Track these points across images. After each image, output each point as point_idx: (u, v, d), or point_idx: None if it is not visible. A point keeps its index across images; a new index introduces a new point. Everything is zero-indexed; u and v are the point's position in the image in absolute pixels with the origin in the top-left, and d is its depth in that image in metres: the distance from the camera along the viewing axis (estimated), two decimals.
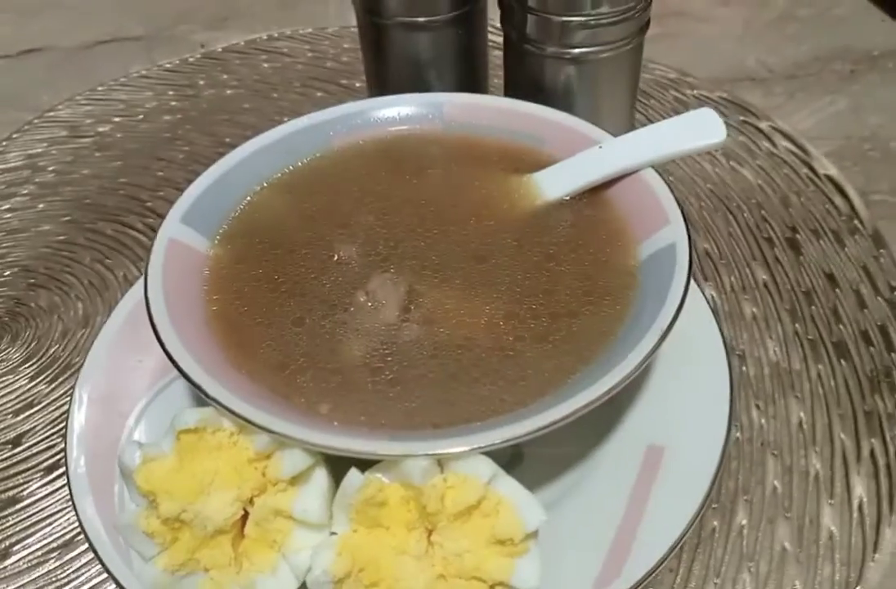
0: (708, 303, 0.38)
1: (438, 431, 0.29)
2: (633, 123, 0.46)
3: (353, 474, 0.29)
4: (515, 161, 0.39)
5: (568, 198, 0.37)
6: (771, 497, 0.35)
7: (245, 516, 0.30)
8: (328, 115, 0.41)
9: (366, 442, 0.28)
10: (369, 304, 0.34)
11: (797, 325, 0.41)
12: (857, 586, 0.32)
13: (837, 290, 0.43)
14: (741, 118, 0.53)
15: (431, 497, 0.28)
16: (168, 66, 0.61)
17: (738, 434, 0.37)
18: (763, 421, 0.37)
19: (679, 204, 0.34)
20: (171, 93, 0.58)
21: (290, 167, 0.40)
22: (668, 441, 0.33)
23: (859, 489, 0.35)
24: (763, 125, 0.52)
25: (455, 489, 0.28)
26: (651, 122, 0.53)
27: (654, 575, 0.29)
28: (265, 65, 0.60)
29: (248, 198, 0.39)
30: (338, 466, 0.30)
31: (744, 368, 0.39)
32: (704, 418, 0.34)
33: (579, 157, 0.37)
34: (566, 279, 0.34)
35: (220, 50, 0.62)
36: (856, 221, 0.46)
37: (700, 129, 0.36)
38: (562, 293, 0.33)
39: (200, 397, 0.30)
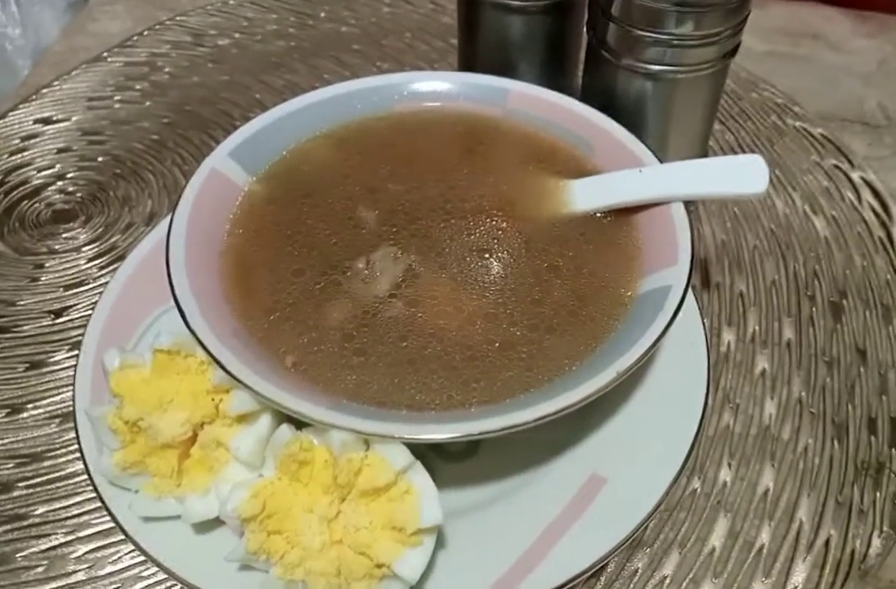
0: (708, 349, 0.33)
1: (379, 411, 0.27)
2: (707, 147, 0.39)
3: (283, 430, 0.27)
4: (560, 163, 0.34)
5: (594, 213, 0.32)
6: (706, 558, 0.30)
7: (195, 437, 0.29)
8: (399, 78, 0.36)
9: (305, 405, 0.26)
10: (366, 272, 0.31)
11: (804, 393, 0.35)
12: None
13: (863, 368, 0.36)
14: (833, 162, 0.44)
15: (344, 470, 0.26)
16: None
17: (698, 487, 0.32)
18: (729, 480, 0.32)
19: (693, 247, 0.29)
20: (292, 19, 0.54)
21: (348, 122, 0.36)
22: (613, 474, 0.29)
23: (798, 577, 0.30)
24: (854, 175, 0.44)
25: (371, 468, 0.26)
26: (740, 144, 0.46)
27: None
28: (386, 9, 0.54)
29: (300, 143, 0.35)
30: (287, 414, 0.28)
31: (731, 423, 0.34)
32: (657, 462, 0.30)
33: (618, 175, 0.32)
34: (558, 294, 0.30)
35: None
36: None
37: (743, 176, 0.30)
38: (549, 307, 0.29)
39: (159, 333, 0.29)
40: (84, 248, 0.42)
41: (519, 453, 0.31)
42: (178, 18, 0.54)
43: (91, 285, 0.40)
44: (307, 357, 0.28)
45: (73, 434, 0.33)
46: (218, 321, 0.28)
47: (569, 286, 0.30)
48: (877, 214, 0.42)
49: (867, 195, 0.43)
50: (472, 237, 0.32)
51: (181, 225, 0.31)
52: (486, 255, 0.31)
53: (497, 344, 0.28)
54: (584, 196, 0.32)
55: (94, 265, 0.41)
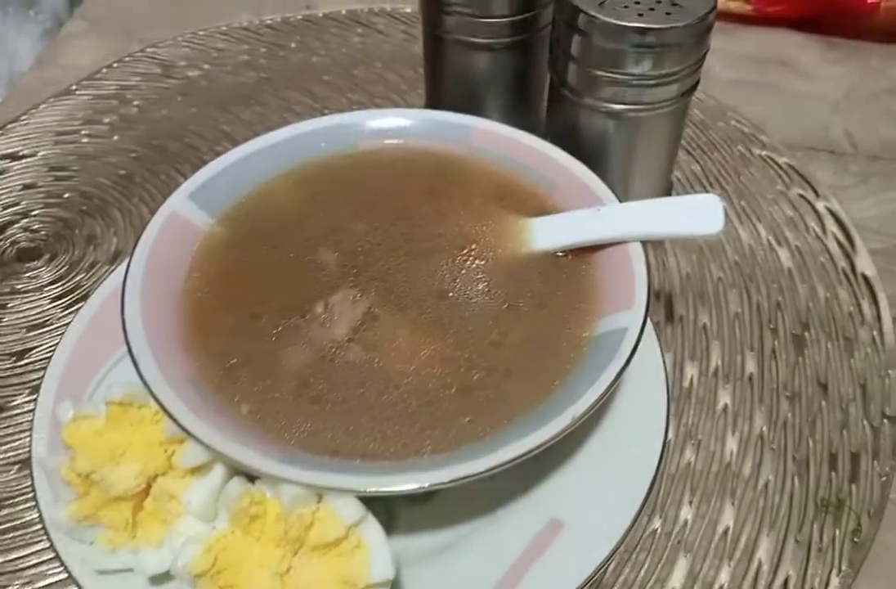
0: (669, 387, 0.33)
1: (333, 461, 0.27)
2: (671, 181, 0.40)
3: (234, 483, 0.27)
4: (521, 201, 0.34)
5: (554, 253, 0.32)
6: None
7: (149, 489, 0.28)
8: (358, 116, 0.36)
9: (256, 458, 0.25)
10: (324, 315, 0.31)
11: (765, 428, 0.35)
12: None
13: (824, 402, 0.36)
14: (799, 192, 0.45)
15: (294, 525, 0.26)
16: (269, 21, 0.56)
17: (659, 526, 0.32)
18: (689, 519, 0.32)
19: (650, 289, 0.29)
20: (263, 50, 0.54)
21: (311, 160, 0.36)
22: (570, 518, 0.29)
23: None
24: (819, 205, 0.44)
25: (321, 522, 0.26)
26: (706, 174, 0.46)
27: None
28: (357, 39, 0.55)
29: (261, 184, 0.35)
30: None
31: (692, 460, 0.34)
32: (614, 506, 0.29)
33: (577, 214, 0.32)
34: (517, 335, 0.30)
35: (321, 15, 0.56)
36: (875, 332, 0.38)
37: (699, 216, 0.30)
38: (507, 350, 0.29)
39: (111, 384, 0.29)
40: (47, 288, 0.41)
41: (478, 497, 0.30)
42: (148, 50, 0.54)
43: (54, 326, 0.40)
44: (262, 405, 0.28)
45: (29, 482, 0.32)
46: (172, 369, 0.28)
47: (528, 327, 0.30)
48: (840, 245, 0.42)
49: (831, 225, 0.43)
50: (432, 278, 0.32)
51: (138, 269, 0.30)
52: (446, 297, 0.31)
53: (454, 389, 0.28)
54: (544, 235, 0.32)
55: (58, 305, 0.40)
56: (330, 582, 0.25)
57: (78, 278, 0.42)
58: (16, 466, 0.34)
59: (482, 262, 0.32)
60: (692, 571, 0.31)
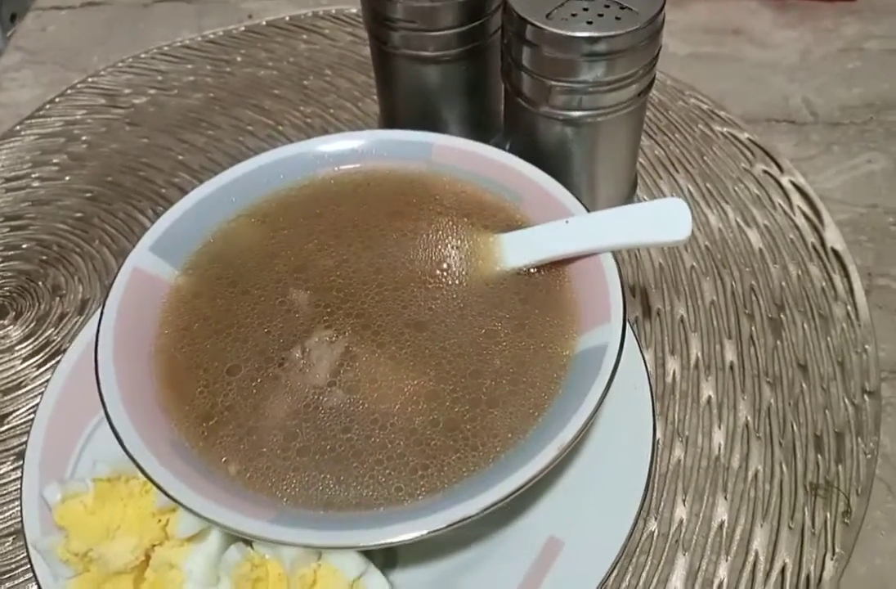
0: (653, 392, 0.33)
1: (327, 514, 0.26)
2: (636, 178, 0.39)
3: (232, 551, 0.27)
4: (488, 217, 0.33)
5: (527, 269, 0.31)
6: None
7: (148, 560, 0.28)
8: (315, 144, 0.35)
9: (245, 521, 0.25)
10: (303, 361, 0.30)
11: (750, 417, 0.35)
12: None
13: (805, 384, 0.36)
14: (763, 168, 0.44)
15: (298, 587, 0.25)
16: (211, 36, 0.53)
17: (655, 528, 0.32)
18: (684, 517, 0.32)
19: (625, 302, 0.28)
20: (208, 67, 0.52)
21: (271, 196, 0.34)
22: (569, 536, 0.29)
23: None
24: (784, 180, 0.43)
25: (324, 580, 0.26)
26: (669, 158, 0.45)
27: None
28: (303, 45, 0.52)
29: (224, 226, 0.34)
30: None
31: (682, 457, 0.34)
32: (610, 519, 0.30)
33: (546, 228, 0.31)
34: (498, 362, 0.29)
35: (264, 24, 0.54)
36: (849, 307, 0.38)
37: (667, 223, 0.29)
38: (489, 378, 0.29)
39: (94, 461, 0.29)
40: (17, 348, 0.40)
41: (476, 525, 0.30)
42: (89, 80, 0.52)
43: (30, 387, 0.38)
44: (250, 463, 0.27)
45: (22, 554, 0.32)
46: (154, 436, 0.27)
47: (508, 352, 0.29)
48: (808, 219, 0.41)
49: (798, 200, 0.42)
50: (408, 309, 0.31)
51: (108, 334, 0.29)
52: (424, 328, 0.30)
53: (441, 425, 0.28)
54: (516, 251, 0.31)
55: (31, 364, 0.39)
56: None
57: (48, 333, 0.40)
58: (10, 538, 0.33)
59: (456, 288, 0.31)
60: (692, 568, 0.31)
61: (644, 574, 0.31)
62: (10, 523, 0.34)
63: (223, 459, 0.27)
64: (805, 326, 0.38)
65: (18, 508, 0.33)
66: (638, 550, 0.32)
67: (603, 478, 0.30)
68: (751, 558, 0.31)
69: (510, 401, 0.28)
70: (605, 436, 0.31)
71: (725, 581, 0.31)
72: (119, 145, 0.48)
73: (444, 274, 0.32)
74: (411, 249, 0.32)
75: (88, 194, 0.46)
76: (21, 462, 0.35)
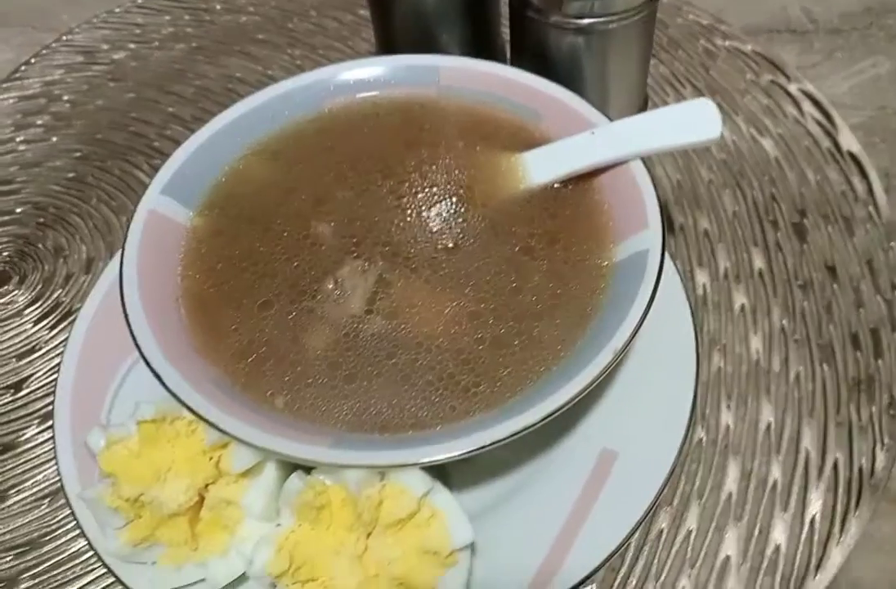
0: (696, 297, 0.32)
1: (384, 436, 0.25)
2: (646, 91, 0.37)
3: (294, 479, 0.25)
4: (507, 137, 0.31)
5: (554, 184, 0.29)
6: (725, 504, 0.30)
7: (202, 499, 0.27)
8: (319, 75, 0.32)
9: (305, 448, 0.24)
10: (337, 292, 0.28)
11: (785, 321, 0.34)
12: None
13: (836, 285, 0.35)
14: (770, 78, 0.42)
15: (366, 506, 0.24)
16: None
17: (703, 435, 0.31)
18: (731, 422, 0.31)
19: (661, 205, 0.27)
20: (187, 17, 0.48)
21: (279, 131, 0.32)
22: (623, 446, 0.28)
23: (815, 504, 0.29)
24: (792, 88, 0.41)
25: (391, 499, 0.24)
26: (675, 75, 0.43)
27: (586, 582, 0.26)
28: None
29: (234, 165, 0.31)
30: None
31: (721, 364, 0.33)
32: (662, 426, 0.29)
33: (571, 141, 0.29)
34: (537, 277, 0.28)
35: None
36: (871, 208, 0.37)
37: (696, 123, 0.27)
38: (529, 293, 0.27)
39: (138, 404, 0.27)
40: (27, 311, 0.38)
41: (528, 442, 0.28)
42: (64, 38, 0.48)
43: (45, 349, 0.36)
44: (297, 395, 0.26)
45: (66, 512, 0.31)
46: (195, 376, 0.25)
47: (545, 267, 0.28)
48: (821, 125, 0.40)
49: (808, 107, 0.41)
50: (436, 234, 0.29)
51: (131, 278, 0.27)
52: (455, 250, 0.28)
53: (487, 343, 0.26)
54: (540, 168, 0.29)
55: (43, 327, 0.37)
56: (411, 555, 0.24)
57: (56, 295, 0.38)
58: (46, 500, 0.32)
59: (483, 208, 0.29)
60: (744, 471, 0.30)
61: (697, 481, 0.30)
62: (43, 486, 0.32)
63: (268, 393, 0.26)
64: (829, 229, 0.36)
65: (48, 472, 0.32)
66: (688, 458, 0.31)
67: (650, 388, 0.29)
68: (802, 457, 0.31)
69: (554, 314, 0.27)
70: (648, 346, 0.30)
71: (779, 480, 0.30)
72: (104, 102, 0.45)
73: (469, 196, 0.30)
74: (432, 175, 0.30)
75: (78, 154, 0.43)
76: (46, 424, 0.34)
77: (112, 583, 0.30)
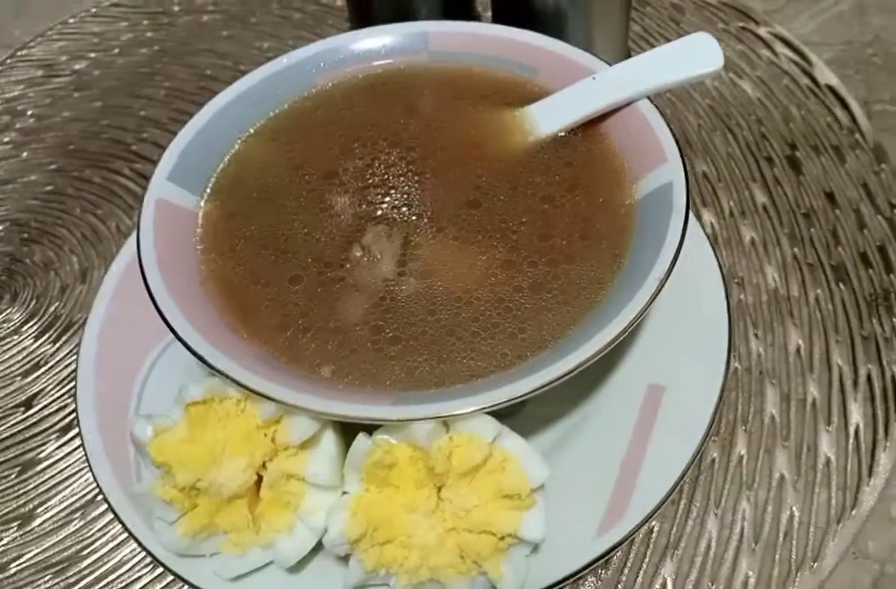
0: (706, 234, 0.34)
1: (442, 390, 0.27)
2: (628, 48, 0.40)
3: (361, 440, 0.26)
4: (507, 94, 0.34)
5: (562, 133, 0.32)
6: (769, 426, 0.32)
7: (259, 480, 0.28)
8: (308, 52, 0.35)
9: (368, 408, 0.26)
10: (365, 259, 0.30)
11: (796, 249, 0.37)
12: (852, 511, 0.30)
13: (837, 210, 0.38)
14: (740, 24, 0.46)
15: (438, 458, 0.26)
16: None
17: (737, 364, 0.34)
18: (761, 349, 0.34)
19: (676, 139, 0.29)
20: (145, 22, 0.51)
21: (275, 111, 0.34)
22: (668, 380, 0.31)
23: (856, 415, 0.32)
24: (762, 31, 0.45)
25: (461, 448, 0.26)
26: (648, 32, 0.46)
27: (655, 515, 0.28)
28: None
29: (235, 149, 0.33)
30: (347, 425, 0.28)
31: (742, 297, 0.36)
32: (703, 355, 0.31)
33: (574, 88, 0.32)
34: (562, 222, 0.30)
35: None
36: (857, 135, 0.40)
37: (696, 57, 0.30)
38: (558, 238, 0.29)
39: (184, 385, 0.28)
40: (24, 328, 0.39)
41: (577, 385, 0.30)
42: (19, 54, 0.50)
43: (51, 364, 0.37)
44: (344, 362, 0.27)
45: (102, 523, 0.32)
46: (237, 354, 0.27)
47: (569, 211, 0.30)
48: (796, 64, 0.44)
49: (780, 48, 0.44)
50: (454, 192, 0.31)
51: (153, 270, 0.28)
52: (477, 205, 0.30)
53: (526, 289, 0.28)
54: (546, 119, 0.32)
55: (45, 341, 0.38)
56: (489, 502, 0.25)
57: (53, 308, 0.39)
58: (78, 514, 0.33)
59: (496, 164, 0.31)
60: (782, 393, 0.33)
61: (739, 407, 0.33)
62: (72, 500, 0.33)
63: (315, 364, 0.27)
64: (821, 159, 0.40)
65: (75, 485, 0.33)
66: (726, 388, 0.33)
67: (686, 322, 0.31)
68: (835, 373, 0.33)
69: (587, 255, 0.29)
70: (676, 283, 0.32)
71: (818, 397, 0.33)
72: (72, 113, 0.47)
73: (481, 154, 0.32)
74: (439, 137, 0.33)
75: (53, 166, 0.44)
76: (67, 437, 0.35)
77: (166, 586, 0.31)
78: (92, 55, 0.49)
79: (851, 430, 0.32)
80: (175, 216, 0.31)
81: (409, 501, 0.26)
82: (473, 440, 0.25)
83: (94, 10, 0.52)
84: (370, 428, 0.26)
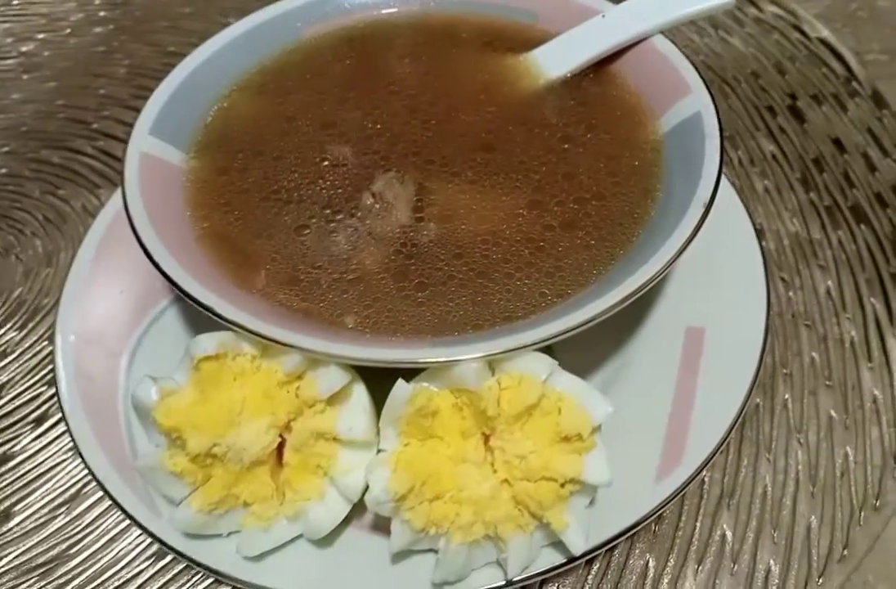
0: (728, 178, 0.35)
1: (480, 333, 0.26)
2: None
3: (401, 386, 0.25)
4: (508, 40, 0.34)
5: (572, 75, 0.32)
6: (809, 368, 0.33)
7: (281, 445, 0.27)
8: (294, 2, 0.35)
9: (408, 351, 0.25)
10: (377, 205, 0.30)
11: (811, 194, 0.38)
12: None
13: (846, 155, 0.40)
14: None
15: (489, 399, 0.25)
16: None
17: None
18: (791, 293, 0.35)
19: (698, 70, 0.30)
20: (96, 2, 0.50)
21: (260, 65, 0.34)
22: (708, 321, 0.31)
23: (892, 350, 0.33)
24: None
25: (510, 390, 0.25)
26: None
27: (714, 458, 0.27)
28: None
29: (219, 103, 0.33)
30: (372, 382, 0.27)
31: (763, 243, 0.36)
32: (742, 295, 0.31)
33: (581, 28, 0.32)
34: (586, 161, 0.30)
35: None
36: (854, 83, 0.42)
37: None
38: (584, 176, 0.30)
39: (202, 324, 0.27)
40: None
41: (608, 330, 0.29)
42: None
43: (19, 352, 0.36)
44: (370, 311, 0.27)
45: (91, 517, 0.31)
46: (252, 308, 0.26)
47: (591, 150, 0.30)
48: (782, 19, 0.46)
49: (766, 5, 0.46)
50: (465, 137, 0.31)
51: (143, 223, 0.27)
52: (492, 149, 0.30)
53: (557, 228, 0.28)
54: (555, 61, 0.32)
55: (10, 328, 0.36)
56: (546, 447, 0.25)
57: (17, 293, 0.37)
58: (63, 509, 0.31)
59: (507, 108, 0.32)
60: (818, 336, 0.34)
61: (776, 352, 0.33)
62: (53, 496, 0.31)
63: (335, 315, 0.27)
64: (822, 107, 0.42)
65: (58, 479, 0.32)
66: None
67: (718, 265, 0.32)
68: (869, 311, 0.34)
69: (617, 191, 0.29)
70: (703, 227, 0.33)
71: (855, 337, 0.33)
72: (22, 95, 0.45)
73: (487, 98, 0.32)
74: (441, 84, 0.33)
75: (6, 149, 0.43)
76: (43, 427, 0.33)
77: (170, 579, 0.29)
78: (40, 36, 0.49)
79: (894, 365, 0.32)
80: (160, 170, 0.30)
81: (455, 453, 0.25)
82: (524, 380, 0.25)
83: None
84: (406, 377, 0.25)
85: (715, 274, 0.32)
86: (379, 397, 0.26)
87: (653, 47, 0.31)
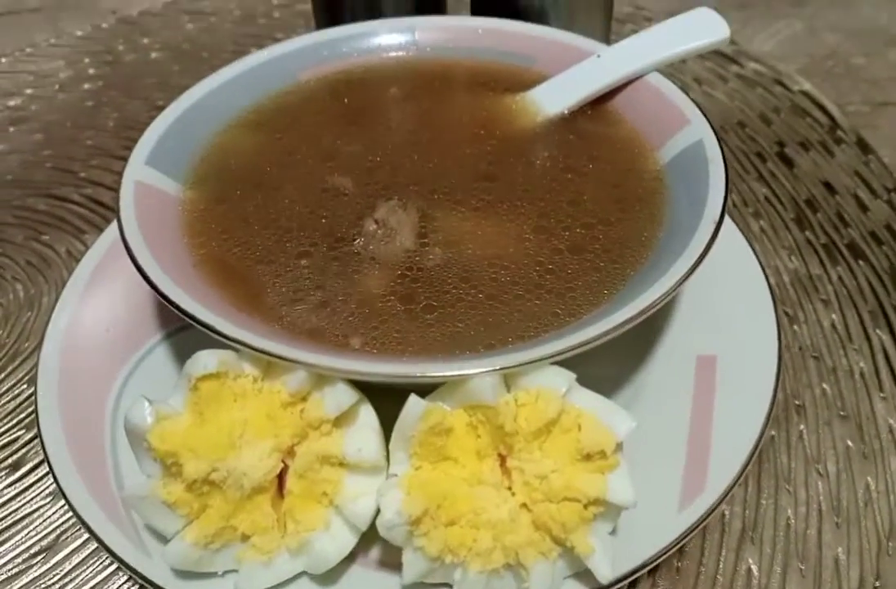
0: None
1: (494, 351, 0.27)
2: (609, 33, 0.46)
3: (414, 402, 0.26)
4: (505, 82, 0.38)
5: (569, 112, 0.36)
6: (822, 400, 0.34)
7: (283, 473, 0.27)
8: (291, 46, 0.38)
9: (420, 365, 0.25)
10: (380, 232, 0.31)
11: (807, 232, 0.41)
12: None
13: (837, 196, 0.43)
14: None
15: (507, 414, 0.25)
16: (79, 33, 0.56)
17: None
18: (795, 327, 0.37)
19: (696, 103, 0.33)
20: (87, 60, 0.54)
21: (256, 104, 0.37)
22: (718, 349, 0.32)
23: None
24: (727, 49, 0.53)
25: (528, 407, 0.25)
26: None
27: (737, 484, 0.28)
28: (190, 26, 0.57)
29: (216, 138, 0.36)
30: (378, 406, 0.27)
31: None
32: (752, 324, 0.33)
33: (577, 68, 0.36)
34: (590, 189, 0.33)
35: (135, 14, 0.58)
36: (839, 132, 0.47)
37: (700, 28, 0.35)
38: (589, 203, 0.32)
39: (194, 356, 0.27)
40: None
41: (610, 367, 0.31)
42: None
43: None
44: (376, 332, 0.28)
45: (70, 566, 0.30)
46: (256, 330, 0.27)
47: (594, 179, 0.32)
48: (763, 74, 0.51)
49: (747, 61, 0.52)
50: (466, 169, 0.33)
51: (141, 248, 0.29)
52: (495, 178, 0.32)
53: (565, 251, 0.30)
54: (553, 100, 0.35)
55: None
56: (567, 465, 0.25)
57: None
58: (40, 556, 0.30)
59: (506, 142, 0.34)
60: (828, 367, 0.35)
61: (787, 384, 0.35)
62: (28, 544, 0.31)
63: (340, 336, 0.27)
64: (810, 153, 0.45)
65: (35, 526, 0.31)
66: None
67: (727, 292, 0.34)
68: (875, 341, 0.36)
69: (623, 217, 0.31)
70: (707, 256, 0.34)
71: (864, 368, 0.35)
72: (7, 146, 0.48)
73: (488, 133, 0.35)
74: (440, 120, 0.36)
75: None
76: (19, 472, 0.33)
77: None
78: (28, 91, 0.52)
79: None
80: (155, 200, 0.32)
81: (471, 474, 0.25)
82: (542, 395, 0.25)
83: (28, 50, 0.55)
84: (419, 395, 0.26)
85: (723, 305, 0.34)
86: (386, 423, 0.27)
87: (647, 84, 0.35)
